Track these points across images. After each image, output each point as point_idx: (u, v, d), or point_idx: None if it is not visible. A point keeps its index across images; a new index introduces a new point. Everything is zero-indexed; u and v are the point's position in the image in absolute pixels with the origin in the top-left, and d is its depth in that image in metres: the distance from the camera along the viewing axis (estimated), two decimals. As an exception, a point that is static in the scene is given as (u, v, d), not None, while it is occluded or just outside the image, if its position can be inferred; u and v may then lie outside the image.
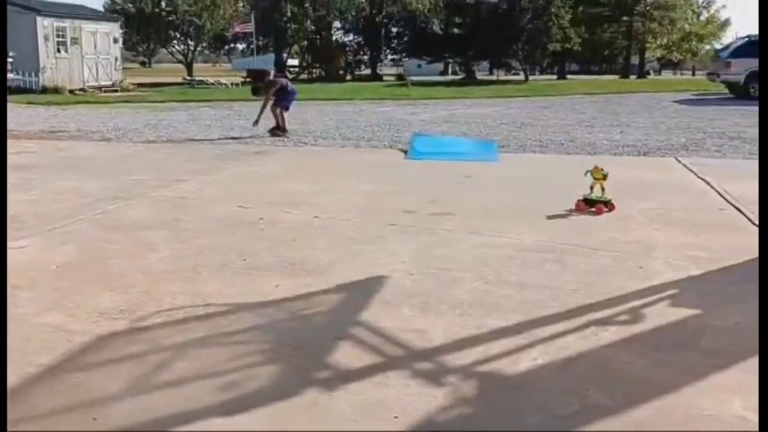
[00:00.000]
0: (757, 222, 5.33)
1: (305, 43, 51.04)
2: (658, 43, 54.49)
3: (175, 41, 48.75)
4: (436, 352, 3.07)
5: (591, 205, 5.73)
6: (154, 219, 5.59)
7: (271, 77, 12.94)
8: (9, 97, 17.18)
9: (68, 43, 27.04)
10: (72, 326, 3.34)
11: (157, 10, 44.17)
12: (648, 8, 49.99)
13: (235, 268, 4.26)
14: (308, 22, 47.18)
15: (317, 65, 50.93)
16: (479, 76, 50.80)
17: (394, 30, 54.38)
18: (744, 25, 69.57)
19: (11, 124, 12.91)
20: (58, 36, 26.51)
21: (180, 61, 52.01)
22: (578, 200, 5.81)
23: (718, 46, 51.46)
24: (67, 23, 26.97)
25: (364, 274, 4.17)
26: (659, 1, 50.08)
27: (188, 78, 40.16)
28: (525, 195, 6.70)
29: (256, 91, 12.07)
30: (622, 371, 2.85)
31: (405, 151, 9.74)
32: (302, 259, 4.46)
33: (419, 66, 58.49)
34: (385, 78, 48.10)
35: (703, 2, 64.96)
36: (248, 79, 37.36)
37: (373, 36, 51.54)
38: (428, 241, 4.89)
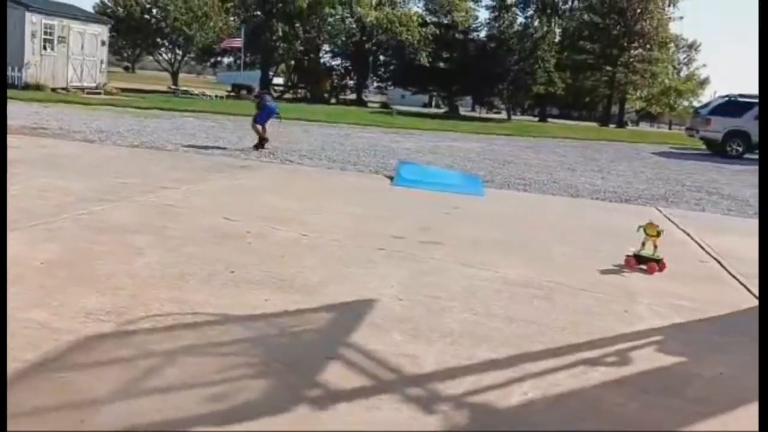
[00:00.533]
0: (738, 277, 5.43)
1: (293, 62, 51.21)
2: (638, 94, 55.60)
3: (162, 49, 48.56)
4: (427, 379, 3.06)
5: (642, 262, 5.43)
6: (140, 224, 5.52)
7: (256, 92, 13.57)
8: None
9: (55, 41, 26.81)
10: (58, 324, 3.27)
11: (147, 16, 44.04)
12: (631, 60, 51.05)
13: (223, 280, 4.22)
14: (298, 42, 47.38)
15: (303, 86, 51.09)
16: (461, 111, 51.33)
17: (382, 58, 54.84)
18: (722, 84, 71.42)
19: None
20: (45, 33, 26.27)
21: (165, 69, 51.81)
22: (628, 256, 5.49)
23: (696, 103, 52.87)
24: (55, 21, 26.76)
25: (354, 296, 4.15)
26: (643, 54, 51.19)
27: (173, 87, 40.04)
28: (512, 231, 6.74)
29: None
30: (614, 412, 2.86)
31: (391, 178, 9.77)
32: (291, 275, 4.43)
33: (403, 96, 59.04)
34: (369, 104, 48.41)
35: (684, 59, 66.75)
36: (233, 93, 37.46)
37: (361, 62, 51.91)
38: (418, 269, 4.89)
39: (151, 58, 55.87)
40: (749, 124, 20.48)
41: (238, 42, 41.82)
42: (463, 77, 48.12)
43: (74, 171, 7.98)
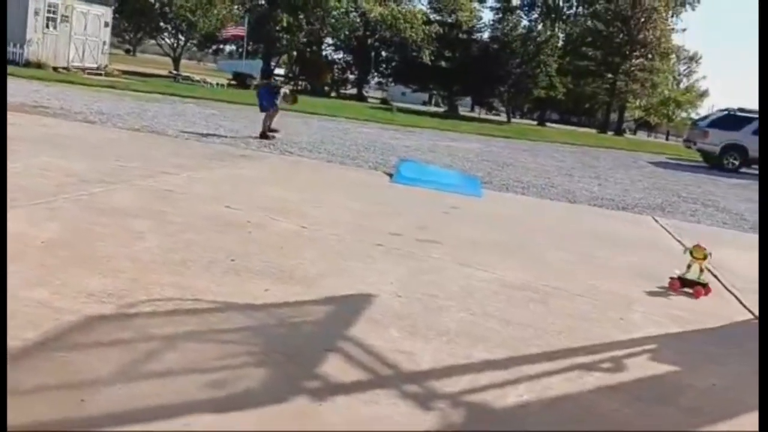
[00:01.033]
0: (732, 290, 5.47)
1: (295, 54, 51.14)
2: (638, 103, 55.78)
3: (165, 33, 48.35)
4: (424, 376, 3.08)
5: (688, 285, 5.17)
6: (141, 208, 5.53)
7: (257, 81, 13.69)
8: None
9: (58, 20, 26.73)
10: (59, 304, 3.28)
11: (151, 0, 43.83)
12: (633, 69, 51.19)
13: (224, 268, 4.23)
14: (301, 34, 47.31)
15: (304, 78, 51.02)
16: (461, 111, 51.37)
17: (384, 54, 54.82)
18: (722, 98, 71.68)
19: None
20: (49, 12, 26.18)
21: (167, 54, 51.57)
22: (672, 279, 5.22)
23: (694, 115, 53.07)
24: (59, 0, 26.64)
25: (353, 290, 4.17)
26: (644, 64, 51.35)
27: (174, 72, 39.91)
28: (511, 233, 6.77)
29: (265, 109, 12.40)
30: (608, 417, 2.89)
31: (390, 175, 9.79)
32: (291, 267, 4.44)
33: (403, 93, 59.05)
34: (369, 100, 48.40)
35: (684, 71, 67.00)
36: (234, 82, 37.40)
37: (363, 57, 51.89)
38: (416, 267, 4.91)
39: (152, 42, 55.61)
40: (747, 138, 20.59)
41: (241, 31, 41.77)
42: (464, 77, 48.18)
43: (75, 151, 7.97)
